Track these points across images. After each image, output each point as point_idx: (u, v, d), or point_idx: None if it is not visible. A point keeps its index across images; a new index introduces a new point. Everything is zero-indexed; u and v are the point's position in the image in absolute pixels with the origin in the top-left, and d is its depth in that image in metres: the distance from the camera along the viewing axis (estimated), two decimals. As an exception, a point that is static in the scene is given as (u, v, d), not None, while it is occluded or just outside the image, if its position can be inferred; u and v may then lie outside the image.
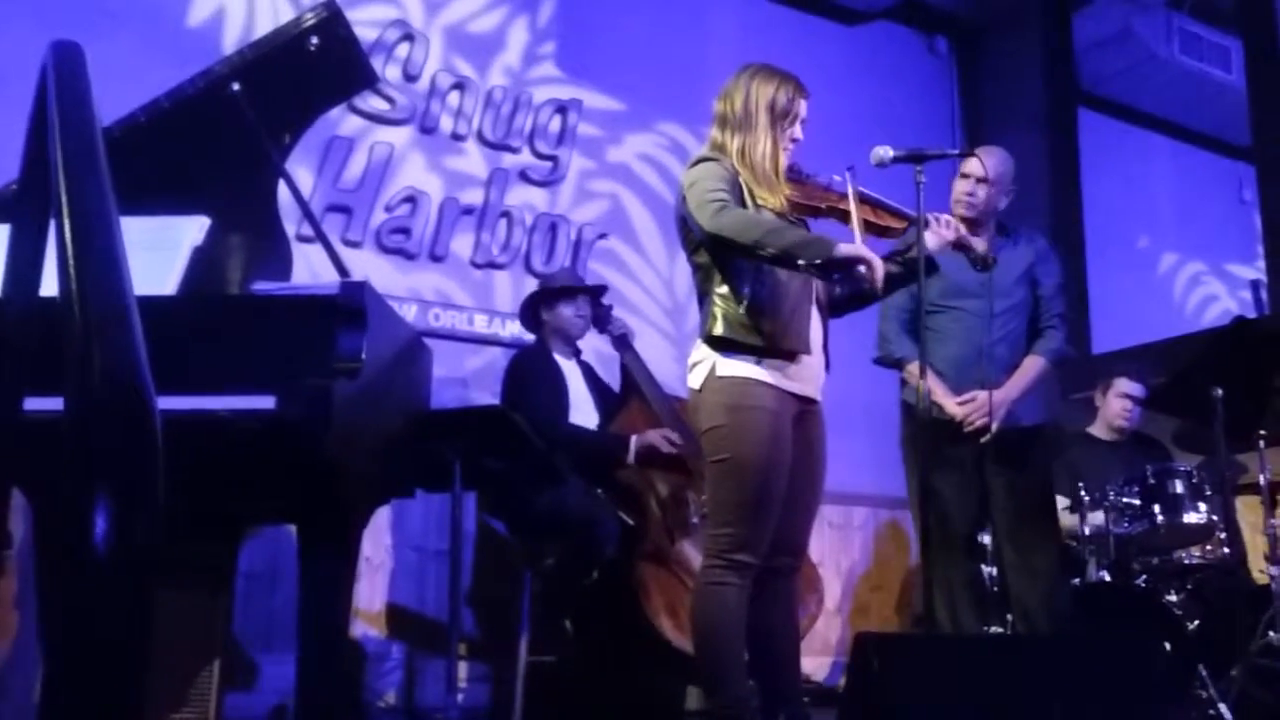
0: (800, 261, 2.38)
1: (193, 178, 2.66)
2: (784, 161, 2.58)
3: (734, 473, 2.42)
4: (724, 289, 2.49)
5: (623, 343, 3.84)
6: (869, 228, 2.53)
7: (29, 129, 1.18)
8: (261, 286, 2.42)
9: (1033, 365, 3.28)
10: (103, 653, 0.59)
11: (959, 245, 2.69)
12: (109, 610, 0.59)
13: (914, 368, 3.23)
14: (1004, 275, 3.28)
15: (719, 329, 2.47)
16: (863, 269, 2.38)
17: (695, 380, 2.53)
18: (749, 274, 2.47)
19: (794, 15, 5.41)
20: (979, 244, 3.19)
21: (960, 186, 3.31)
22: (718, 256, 2.50)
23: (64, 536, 0.63)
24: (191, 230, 2.41)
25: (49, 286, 1.23)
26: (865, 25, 5.60)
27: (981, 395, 3.17)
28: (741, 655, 2.45)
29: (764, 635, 2.49)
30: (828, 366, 2.63)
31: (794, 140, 2.60)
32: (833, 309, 2.69)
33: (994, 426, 3.16)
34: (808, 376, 2.54)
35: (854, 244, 2.41)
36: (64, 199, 0.85)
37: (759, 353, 2.45)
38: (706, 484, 2.56)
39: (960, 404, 3.19)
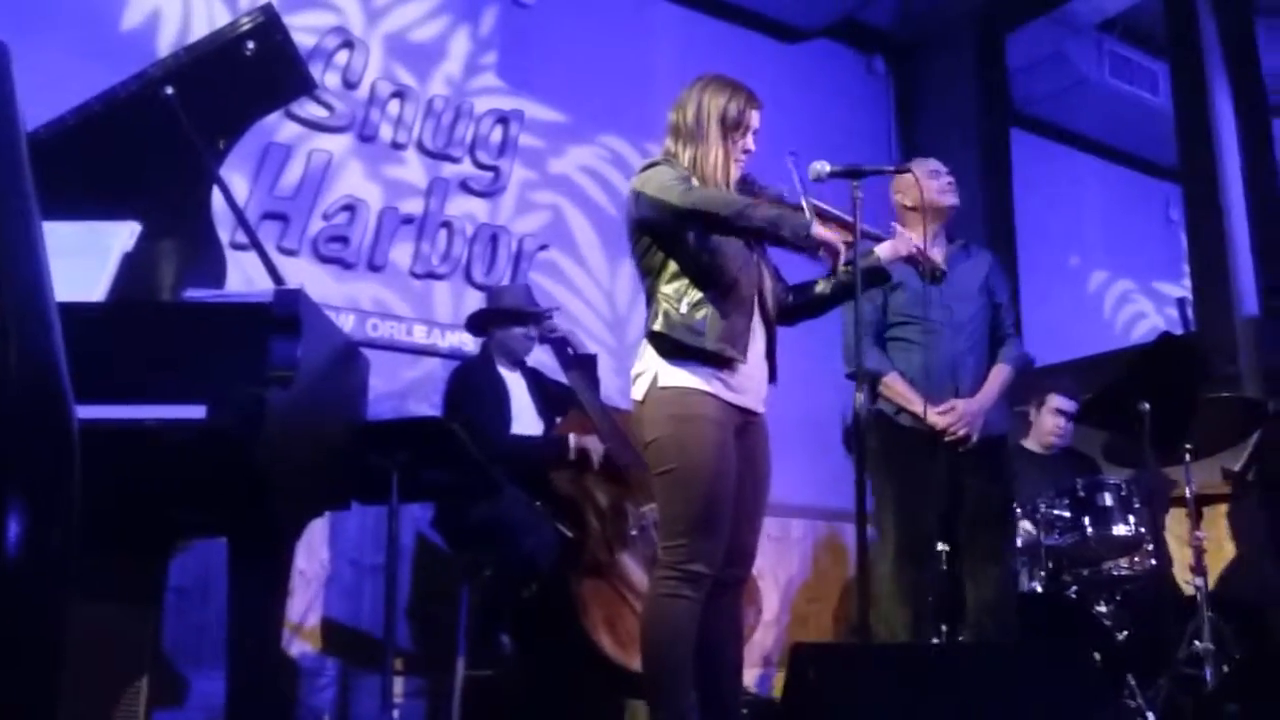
0: (783, 234, 2.41)
1: (124, 182, 2.61)
2: (735, 172, 2.60)
3: (681, 483, 2.42)
4: (668, 289, 2.50)
5: (565, 356, 3.83)
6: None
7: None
8: (193, 293, 2.37)
9: (1000, 373, 3.35)
10: (13, 662, 0.57)
11: (914, 259, 2.73)
12: (19, 618, 0.57)
13: (890, 380, 3.26)
14: (964, 284, 3.35)
15: (659, 325, 2.48)
16: (827, 253, 2.43)
17: (638, 391, 2.53)
18: (694, 277, 2.48)
19: (735, 31, 5.46)
20: (936, 256, 3.25)
21: (940, 181, 3.38)
22: (669, 254, 2.50)
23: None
24: (121, 235, 2.36)
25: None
26: (805, 43, 5.67)
27: (961, 405, 3.21)
28: (689, 669, 2.44)
29: (709, 647, 2.49)
30: (774, 378, 2.64)
31: (746, 151, 2.62)
32: (783, 317, 2.71)
33: (975, 436, 3.21)
34: (749, 388, 2.55)
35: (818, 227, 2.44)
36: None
37: (698, 358, 2.45)
38: (655, 496, 2.56)
39: (941, 414, 3.22)
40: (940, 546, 3.18)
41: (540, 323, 3.86)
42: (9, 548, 0.56)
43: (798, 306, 2.76)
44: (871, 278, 2.67)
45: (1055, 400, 4.16)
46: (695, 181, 2.53)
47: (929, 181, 3.34)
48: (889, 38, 5.97)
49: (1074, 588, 3.69)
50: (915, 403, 3.23)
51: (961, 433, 3.20)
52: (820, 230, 2.42)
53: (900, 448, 3.13)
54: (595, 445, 3.61)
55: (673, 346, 2.46)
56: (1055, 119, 6.43)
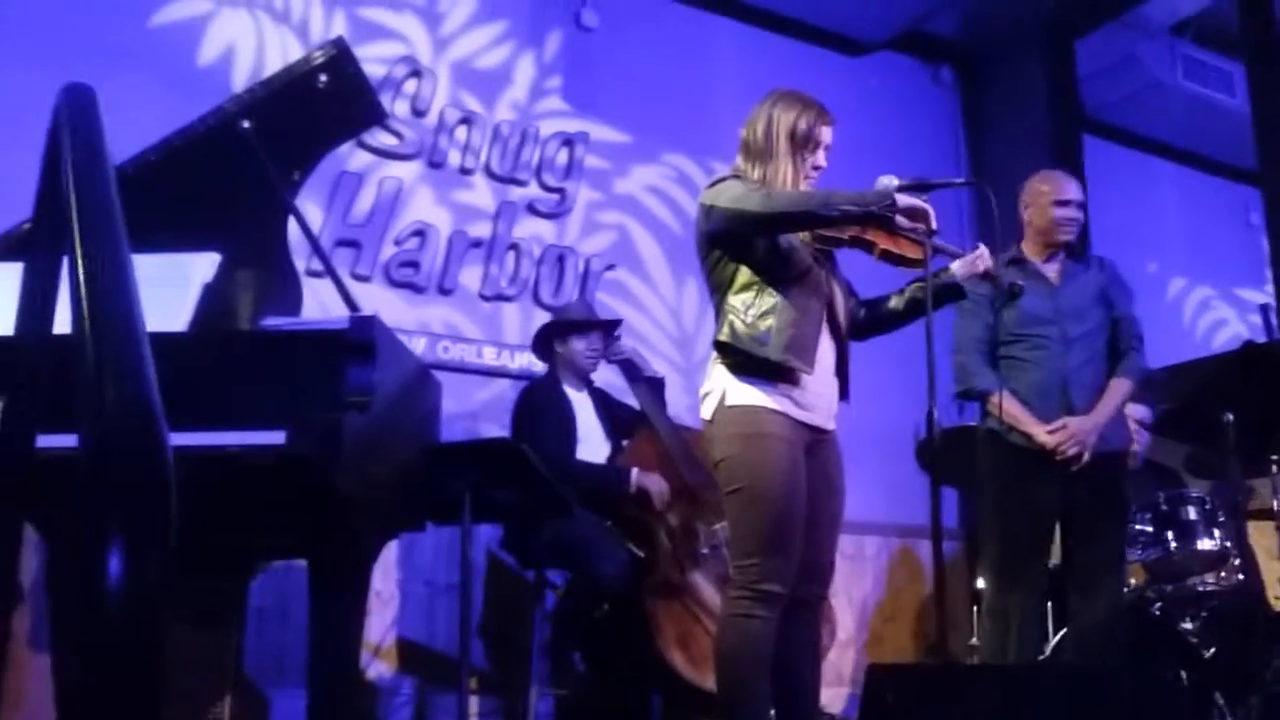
0: (872, 208, 2.39)
1: (203, 214, 2.68)
2: (805, 189, 2.58)
3: (752, 502, 2.41)
4: (735, 300, 2.50)
5: (629, 368, 3.84)
6: (890, 257, 2.54)
7: (42, 169, 1.19)
8: (271, 322, 2.43)
9: (1119, 387, 3.26)
10: (117, 691, 0.59)
11: (986, 277, 2.70)
12: (122, 648, 0.59)
13: (998, 398, 3.21)
14: (1077, 299, 3.30)
15: (725, 335, 2.48)
16: (920, 223, 2.41)
17: (706, 410, 2.53)
18: (763, 290, 2.48)
19: (798, 47, 5.45)
20: (1050, 273, 3.22)
21: (1062, 212, 3.33)
22: (739, 266, 2.50)
23: (76, 574, 0.64)
24: (202, 266, 2.42)
25: (61, 324, 1.25)
26: (869, 56, 5.63)
27: (1073, 422, 3.15)
28: (766, 689, 2.42)
29: (787, 667, 2.47)
30: (845, 394, 2.62)
31: (816, 168, 2.60)
32: (856, 332, 2.69)
33: (1087, 455, 3.13)
34: (818, 405, 2.54)
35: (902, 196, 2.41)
36: (77, 237, 0.86)
37: (763, 369, 2.44)
38: (726, 515, 2.55)
39: (1050, 432, 3.16)
40: (1052, 562, 3.13)
41: (603, 332, 3.88)
42: (110, 583, 0.59)
43: (870, 321, 2.74)
44: (945, 295, 2.64)
45: (1131, 411, 4.07)
46: None
47: (1052, 210, 3.31)
48: (955, 47, 5.92)
49: (1158, 604, 3.60)
50: (1026, 422, 3.17)
51: (1072, 452, 3.12)
52: (905, 198, 2.40)
53: (1008, 466, 3.07)
54: (658, 486, 3.58)
55: (738, 357, 2.46)
56: (1129, 124, 6.31)
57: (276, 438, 1.95)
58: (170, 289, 2.33)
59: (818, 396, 2.53)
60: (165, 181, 2.57)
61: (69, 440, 1.88)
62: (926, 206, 2.42)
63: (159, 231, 2.48)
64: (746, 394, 2.46)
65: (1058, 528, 3.25)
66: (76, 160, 0.92)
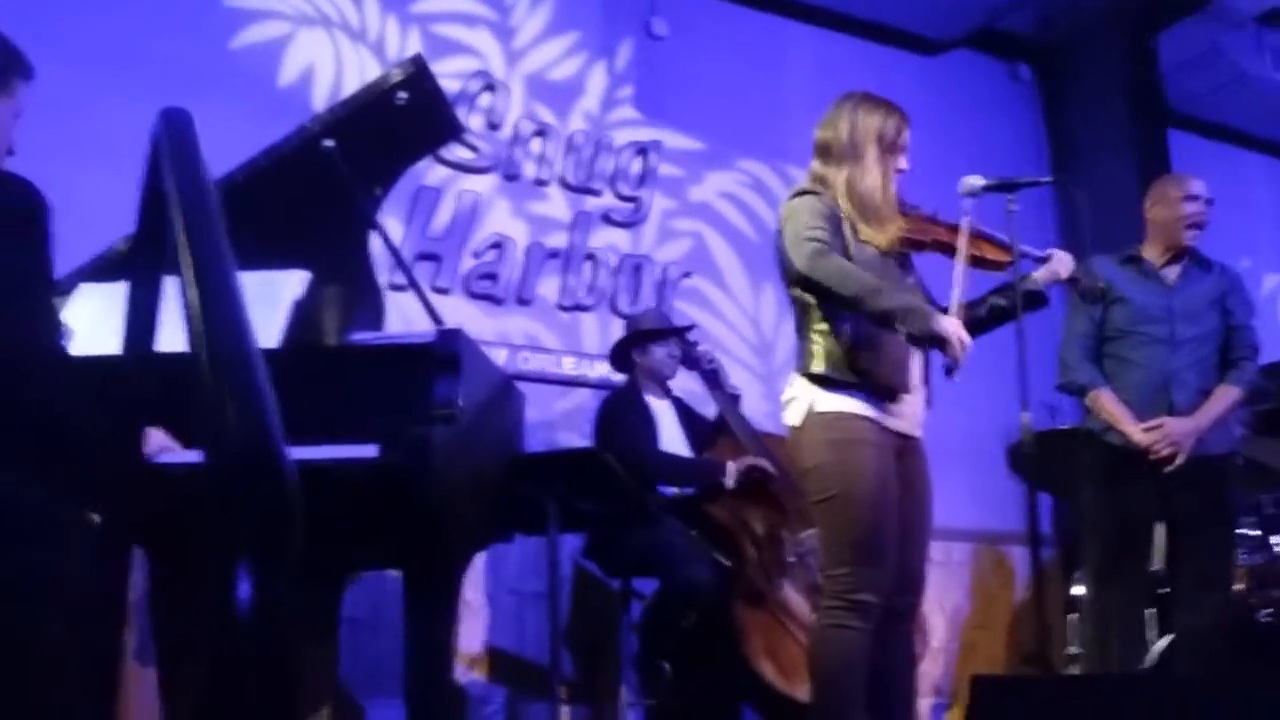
0: (898, 327, 2.34)
1: (290, 233, 2.72)
2: (894, 192, 2.54)
3: (843, 510, 2.38)
4: (823, 325, 2.45)
5: (712, 378, 3.83)
6: (975, 261, 2.49)
7: (141, 192, 1.21)
8: (360, 337, 2.46)
9: (1225, 394, 3.20)
10: (250, 709, 0.59)
11: (1070, 282, 2.64)
12: (254, 667, 0.60)
13: (1098, 394, 3.17)
14: (1192, 302, 3.25)
15: (818, 366, 2.43)
16: (951, 351, 2.33)
17: (794, 417, 2.50)
18: (850, 311, 2.42)
19: (871, 48, 5.39)
20: (1169, 275, 3.16)
21: (1192, 207, 3.29)
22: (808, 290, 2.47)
23: (208, 596, 0.64)
24: (292, 284, 2.47)
25: (165, 343, 1.27)
26: (944, 55, 5.55)
27: (1170, 423, 3.09)
28: (861, 700, 2.38)
29: (882, 678, 2.43)
30: (929, 402, 2.58)
31: (899, 170, 2.56)
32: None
33: (1181, 457, 3.07)
34: (907, 414, 2.50)
35: (952, 322, 2.35)
36: (187, 259, 0.87)
37: (859, 389, 2.41)
38: (817, 524, 2.52)
39: (1146, 430, 3.11)
40: (1155, 567, 3.06)
41: (681, 339, 3.87)
42: (242, 607, 0.59)
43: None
44: (1030, 302, 2.57)
45: None
46: (845, 204, 2.48)
47: (1182, 206, 3.25)
48: (1032, 43, 5.80)
49: (1265, 610, 3.48)
50: (1122, 419, 3.13)
51: (1165, 452, 3.06)
52: (943, 328, 2.32)
53: (1106, 466, 3.02)
54: (760, 460, 3.57)
55: (833, 384, 2.42)
56: (1215, 117, 6.12)
57: (369, 451, 1.97)
58: (262, 307, 2.36)
59: (906, 404, 2.49)
60: (252, 202, 2.61)
61: (180, 459, 1.91)
62: (965, 341, 2.33)
63: (248, 251, 2.53)
64: (836, 400, 2.42)
65: (1161, 532, 3.18)
66: (180, 183, 0.94)
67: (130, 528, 1.08)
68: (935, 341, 2.36)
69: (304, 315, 2.48)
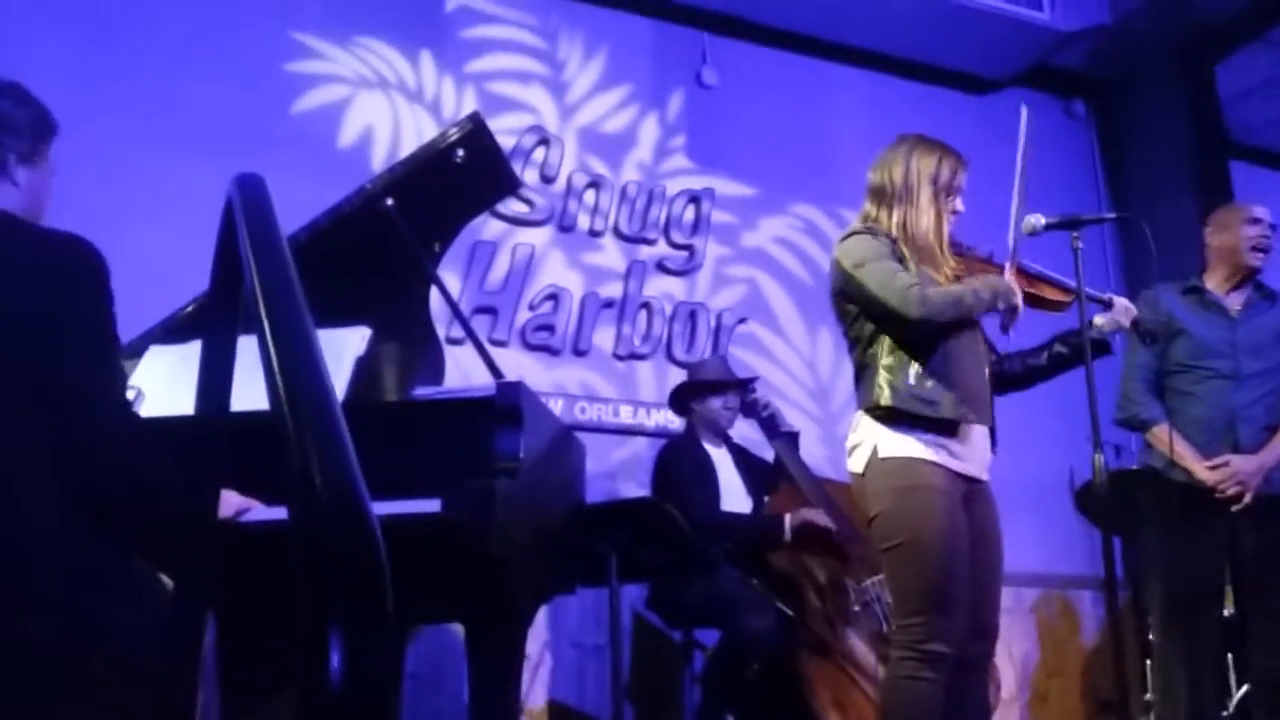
0: (1001, 306, 2.41)
1: (352, 290, 2.76)
2: (948, 234, 2.53)
3: (913, 558, 2.34)
4: (890, 360, 2.42)
5: (772, 427, 3.81)
6: (1032, 300, 2.48)
7: (216, 253, 1.25)
8: (422, 392, 2.48)
9: None
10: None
11: (1136, 327, 2.60)
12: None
13: (1160, 430, 3.10)
14: (1257, 334, 3.18)
15: (888, 399, 2.39)
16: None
17: (857, 464, 2.47)
18: (919, 343, 2.41)
19: (923, 89, 5.38)
20: (1234, 303, 3.12)
21: (1255, 230, 3.24)
22: (888, 327, 2.45)
23: (302, 666, 0.64)
24: (354, 341, 2.50)
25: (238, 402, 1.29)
26: (997, 93, 5.53)
27: (1235, 460, 3.03)
28: None
29: None
30: (995, 445, 2.54)
31: (954, 212, 2.55)
32: (997, 386, 2.62)
33: (1249, 496, 3.00)
34: (973, 456, 2.46)
35: (1010, 279, 2.44)
36: (265, 315, 0.89)
37: (928, 426, 2.38)
38: (885, 573, 2.49)
39: (1211, 469, 3.04)
40: (1227, 611, 2.97)
41: (740, 391, 3.86)
42: (334, 678, 0.59)
43: (1011, 377, 2.66)
44: (1094, 350, 2.54)
45: None
46: (906, 250, 2.47)
47: (1244, 229, 3.21)
48: (1087, 79, 5.76)
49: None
50: (1187, 456, 3.06)
51: (1232, 491, 2.98)
52: (1017, 291, 2.40)
53: (1169, 504, 2.94)
54: (815, 514, 3.54)
55: (904, 419, 2.39)
56: (1277, 147, 6.03)
57: (432, 505, 1.98)
58: (326, 364, 2.40)
59: (973, 447, 2.45)
60: (315, 261, 2.63)
61: (264, 516, 1.93)
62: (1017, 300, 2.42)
63: (314, 309, 2.59)
64: (901, 445, 2.39)
65: (1229, 574, 3.08)
66: (256, 246, 0.96)
67: (205, 589, 1.09)
68: (1014, 306, 2.42)
69: (366, 371, 2.51)
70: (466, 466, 2.10)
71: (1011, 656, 4.64)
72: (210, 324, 1.25)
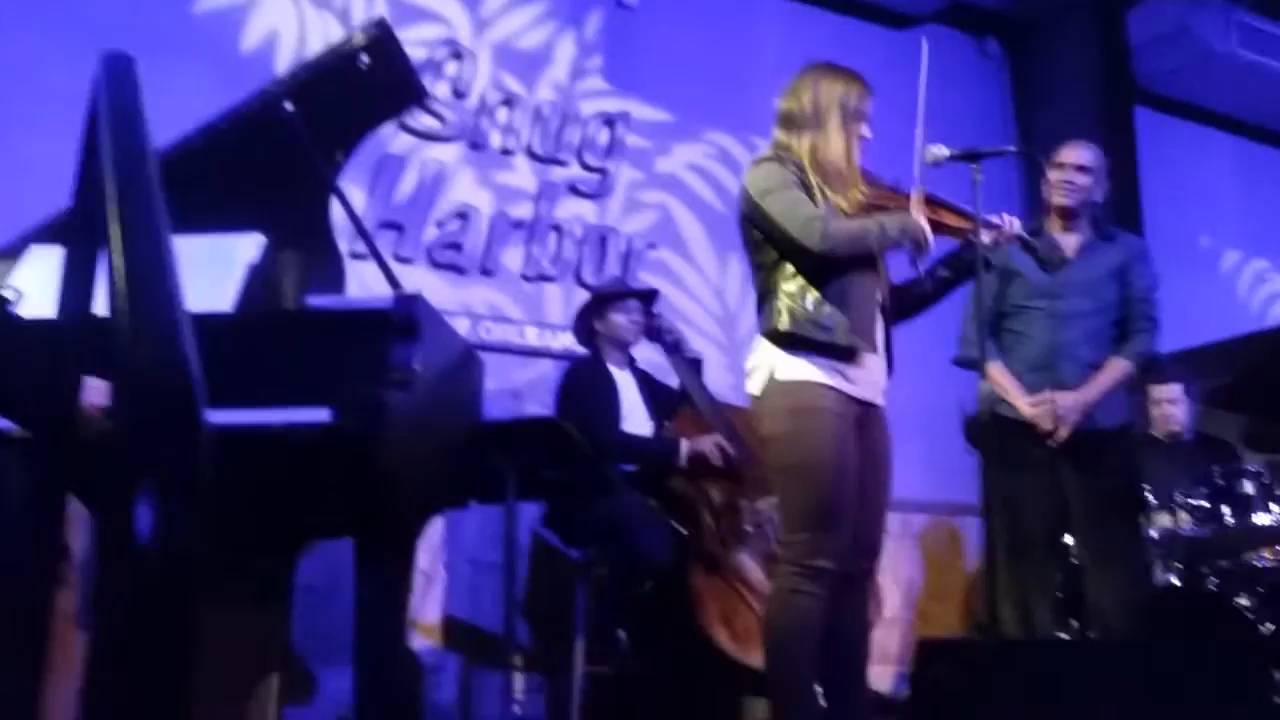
0: (904, 244, 2.47)
1: (247, 196, 2.69)
2: (857, 160, 2.56)
3: (802, 477, 2.40)
4: (791, 286, 2.47)
5: (673, 349, 3.83)
6: (934, 227, 2.53)
7: (81, 148, 1.20)
8: (317, 301, 2.44)
9: (1115, 367, 3.20)
10: (146, 647, 0.59)
11: (1024, 245, 2.67)
12: (151, 604, 0.59)
13: (993, 369, 3.18)
14: (1087, 273, 3.24)
15: (785, 323, 2.44)
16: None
17: (755, 386, 2.51)
18: (819, 271, 2.45)
19: (840, 20, 5.38)
20: (1067, 246, 3.17)
21: (1056, 175, 3.29)
22: (790, 255, 2.48)
23: (108, 532, 0.64)
24: (247, 248, 2.44)
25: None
26: (913, 29, 5.54)
27: (1057, 396, 3.11)
28: (812, 665, 2.42)
29: (836, 643, 2.46)
30: (891, 371, 2.60)
31: (862, 138, 2.58)
32: (893, 316, 2.67)
33: (1064, 431, 3.09)
34: (869, 380, 2.51)
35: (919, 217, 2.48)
36: (112, 206, 0.86)
37: (823, 350, 2.42)
38: (775, 491, 2.54)
39: (1033, 405, 3.13)
40: (1067, 540, 3.08)
41: (643, 303, 3.87)
42: (140, 535, 0.59)
43: (903, 305, 2.71)
44: (974, 270, 2.61)
45: (1153, 391, 4.00)
46: (810, 171, 2.50)
47: (1050, 172, 3.26)
48: (1002, 19, 5.81)
49: (1213, 580, 3.53)
50: (1012, 393, 3.15)
51: (1049, 426, 3.08)
52: (927, 227, 2.45)
53: (1003, 439, 3.03)
54: (710, 447, 3.58)
55: (800, 344, 2.44)
56: (1182, 95, 6.16)
57: (322, 415, 1.96)
58: (216, 270, 2.35)
59: (869, 371, 2.51)
60: (209, 164, 2.58)
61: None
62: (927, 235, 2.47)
63: (203, 214, 2.50)
64: (797, 368, 2.44)
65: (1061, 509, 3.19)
66: (114, 128, 0.92)
67: (61, 477, 1.06)
68: (923, 244, 2.47)
69: (260, 279, 2.46)
70: (360, 378, 2.07)
71: (897, 579, 4.80)
72: (72, 223, 1.20)
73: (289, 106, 2.64)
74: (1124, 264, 3.29)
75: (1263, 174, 6.49)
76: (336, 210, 2.83)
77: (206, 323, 2.16)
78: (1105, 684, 1.99)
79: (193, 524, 0.65)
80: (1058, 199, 3.27)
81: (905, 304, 2.68)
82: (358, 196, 4.07)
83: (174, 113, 2.20)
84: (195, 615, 0.62)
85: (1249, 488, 3.43)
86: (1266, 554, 3.52)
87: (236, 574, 2.81)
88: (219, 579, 2.64)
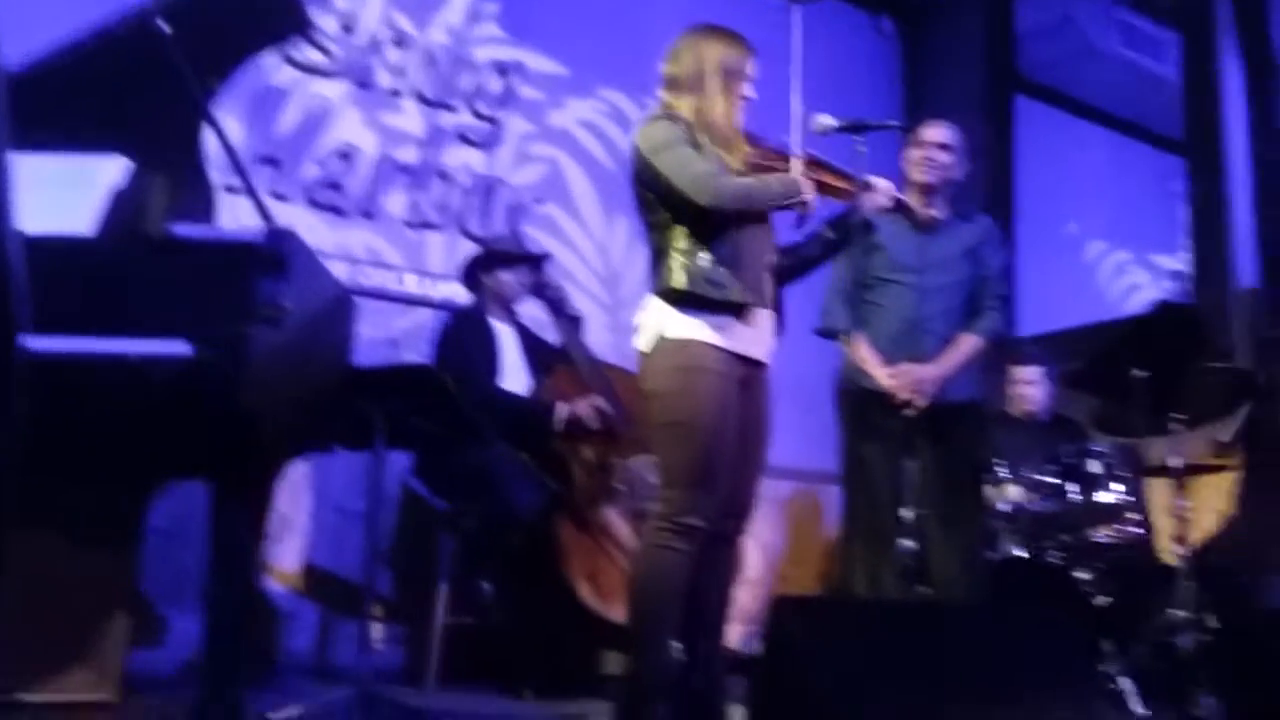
0: (790, 201, 2.51)
1: (114, 118, 2.57)
2: (740, 120, 2.59)
3: (681, 435, 2.42)
4: (684, 244, 2.48)
5: (556, 307, 3.82)
6: (818, 188, 2.57)
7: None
8: (181, 229, 2.34)
9: (967, 343, 3.30)
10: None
11: (900, 207, 2.73)
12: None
13: (850, 339, 3.25)
14: (944, 250, 3.32)
15: (679, 281, 2.45)
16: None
17: (643, 342, 2.53)
18: (711, 230, 2.47)
19: (740, -10, 5.38)
20: (922, 209, 3.24)
21: (917, 153, 3.35)
22: (682, 213, 2.48)
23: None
24: (109, 170, 2.33)
25: None
26: (811, 3, 5.57)
27: (915, 368, 3.19)
28: (673, 621, 2.45)
29: (698, 600, 2.50)
30: (781, 329, 2.64)
31: (744, 99, 2.61)
32: (780, 278, 2.71)
33: (921, 401, 3.18)
34: (758, 338, 2.55)
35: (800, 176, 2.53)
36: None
37: (715, 308, 2.44)
38: (653, 448, 2.56)
39: (891, 376, 3.21)
40: (905, 513, 3.18)
41: (533, 266, 3.84)
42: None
43: (791, 265, 2.75)
44: (857, 233, 2.67)
45: (1013, 371, 4.17)
46: (702, 137, 2.51)
47: (908, 150, 3.33)
48: (897, -1, 5.91)
49: (1056, 553, 3.71)
50: (871, 363, 3.23)
51: (904, 396, 3.17)
52: (808, 186, 2.49)
53: (858, 411, 3.11)
54: (587, 410, 3.59)
55: (692, 302, 2.45)
56: (1062, 86, 6.37)
57: (181, 349, 1.89)
58: (74, 191, 2.23)
59: (757, 329, 2.54)
60: (75, 82, 2.46)
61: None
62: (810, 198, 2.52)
63: (65, 133, 2.38)
64: (686, 327, 2.46)
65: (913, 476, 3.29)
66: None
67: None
68: (807, 205, 2.52)
69: (123, 204, 2.35)
70: (224, 313, 2.00)
71: (760, 543, 4.89)
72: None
73: (162, 25, 2.51)
74: (977, 243, 3.40)
75: (1131, 169, 6.77)
76: (211, 141, 2.72)
77: (59, 245, 2.08)
78: (951, 644, 2.07)
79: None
80: (918, 176, 3.35)
81: (791, 266, 2.72)
82: (234, 129, 3.92)
83: (39, 26, 2.08)
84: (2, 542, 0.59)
85: (1095, 467, 3.58)
86: (1106, 531, 3.70)
87: (83, 511, 2.71)
88: (64, 515, 2.55)
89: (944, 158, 3.33)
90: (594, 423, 3.58)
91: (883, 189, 2.67)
